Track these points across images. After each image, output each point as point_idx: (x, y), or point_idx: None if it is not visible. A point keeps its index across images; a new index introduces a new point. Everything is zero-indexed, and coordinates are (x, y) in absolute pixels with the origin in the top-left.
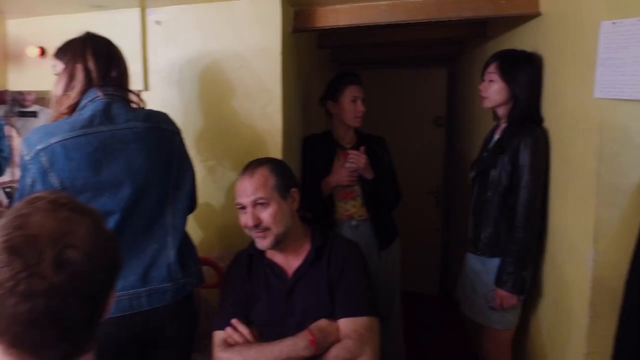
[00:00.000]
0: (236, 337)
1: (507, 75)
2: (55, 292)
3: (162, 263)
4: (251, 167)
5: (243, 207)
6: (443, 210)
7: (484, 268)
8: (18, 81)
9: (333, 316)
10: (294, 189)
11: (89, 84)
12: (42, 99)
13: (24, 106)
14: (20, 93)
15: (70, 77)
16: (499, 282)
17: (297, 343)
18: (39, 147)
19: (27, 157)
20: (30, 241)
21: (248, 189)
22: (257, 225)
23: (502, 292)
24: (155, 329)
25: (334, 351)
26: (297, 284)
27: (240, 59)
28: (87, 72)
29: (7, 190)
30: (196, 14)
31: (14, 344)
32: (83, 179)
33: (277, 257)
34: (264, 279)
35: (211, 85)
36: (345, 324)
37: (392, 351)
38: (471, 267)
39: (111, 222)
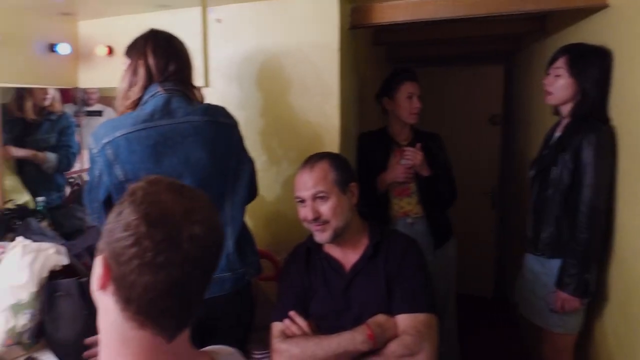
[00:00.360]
0: (294, 329)
1: (576, 70)
2: (188, 264)
3: (222, 254)
4: (311, 160)
5: (302, 201)
6: (498, 212)
7: (543, 269)
8: (87, 79)
9: (390, 312)
10: (353, 184)
11: (150, 80)
12: (105, 97)
13: (88, 105)
14: (85, 92)
15: (133, 74)
16: (560, 284)
17: (355, 337)
18: (105, 140)
19: (94, 150)
20: (168, 215)
21: (308, 183)
22: (317, 218)
23: (563, 295)
24: (214, 317)
25: (392, 347)
26: (354, 279)
27: (297, 56)
28: (147, 68)
29: (71, 180)
30: (255, 11)
31: (142, 311)
32: (145, 171)
33: (335, 252)
34: (322, 273)
35: (269, 81)
36: (403, 320)
37: (446, 352)
38: (530, 268)
39: None
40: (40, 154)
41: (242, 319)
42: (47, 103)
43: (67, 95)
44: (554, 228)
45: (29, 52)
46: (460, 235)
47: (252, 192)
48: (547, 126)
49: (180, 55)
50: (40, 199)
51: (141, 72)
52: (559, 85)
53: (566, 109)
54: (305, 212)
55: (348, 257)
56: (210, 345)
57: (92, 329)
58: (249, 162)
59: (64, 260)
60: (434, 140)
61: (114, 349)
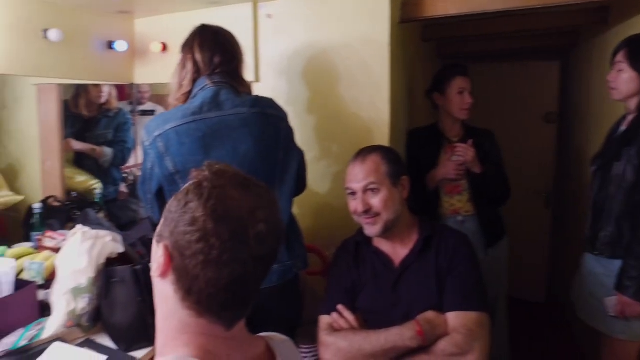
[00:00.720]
0: (342, 323)
1: (637, 63)
2: (252, 261)
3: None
4: (363, 153)
5: (353, 193)
6: (553, 212)
7: (603, 270)
8: (142, 75)
9: (440, 309)
10: (404, 177)
11: (197, 73)
12: (155, 96)
13: (141, 103)
14: (139, 91)
15: (182, 68)
16: (620, 286)
17: (404, 333)
18: (156, 133)
19: (147, 143)
20: (235, 212)
21: (359, 175)
22: (367, 211)
23: (624, 298)
24: (261, 309)
25: (442, 345)
26: (404, 274)
27: (347, 50)
28: (194, 62)
29: (125, 174)
30: (305, 6)
31: (202, 303)
32: (194, 163)
33: (385, 246)
34: (371, 267)
35: (319, 75)
36: (453, 318)
37: (497, 355)
38: (588, 268)
39: None
40: (98, 149)
41: (289, 312)
42: (102, 100)
43: (122, 93)
44: (614, 228)
45: (89, 49)
46: (512, 236)
47: (300, 184)
48: (609, 123)
49: (226, 48)
50: (97, 191)
51: (189, 66)
52: (622, 80)
53: (632, 104)
54: (355, 204)
55: (397, 251)
56: None
57: (145, 315)
58: (298, 154)
59: (119, 248)
60: (487, 137)
61: (172, 335)
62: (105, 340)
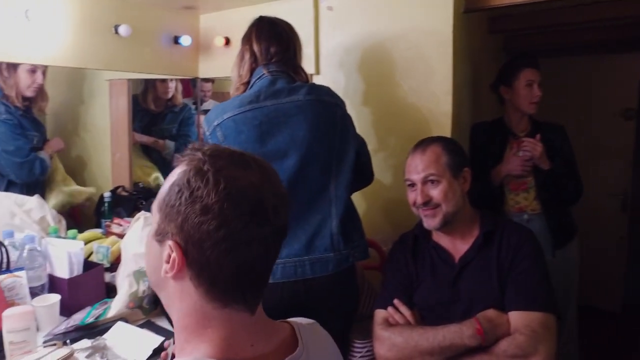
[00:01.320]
0: (397, 318)
1: None
2: (274, 235)
3: (326, 233)
4: (423, 143)
5: (412, 184)
6: (631, 215)
7: None
8: (206, 69)
9: (502, 308)
10: (466, 169)
11: (255, 63)
12: (217, 93)
13: (203, 101)
14: (201, 89)
15: (241, 59)
16: None
17: (463, 331)
18: (215, 123)
19: (207, 133)
20: (247, 191)
21: (419, 166)
22: (427, 202)
23: None
24: (316, 298)
25: (503, 345)
26: (463, 270)
27: (409, 42)
28: (252, 52)
29: None
30: None
31: (228, 290)
32: (251, 150)
33: (444, 240)
34: (429, 262)
35: (379, 67)
36: (516, 318)
37: None
38: None
39: None
40: (160, 141)
41: (344, 304)
42: (169, 96)
43: (186, 91)
44: None
45: (156, 44)
46: (583, 239)
47: (364, 174)
48: None
49: (283, 38)
50: (161, 181)
51: (247, 56)
52: None
53: None
54: (414, 195)
55: (457, 246)
56: None
57: None
58: (358, 143)
59: None
60: (557, 132)
61: (195, 331)
62: (164, 323)
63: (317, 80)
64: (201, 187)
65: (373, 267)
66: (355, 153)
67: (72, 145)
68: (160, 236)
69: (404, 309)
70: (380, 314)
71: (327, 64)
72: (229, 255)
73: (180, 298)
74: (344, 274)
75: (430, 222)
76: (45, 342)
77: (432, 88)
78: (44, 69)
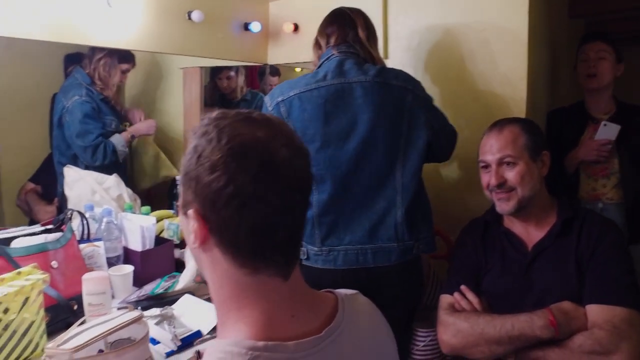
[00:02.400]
0: (464, 304)
1: None
2: (289, 190)
3: (390, 222)
4: (500, 123)
5: (486, 166)
6: None
7: None
8: (275, 56)
9: (579, 300)
10: (545, 152)
11: (326, 44)
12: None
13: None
14: (269, 83)
15: (315, 43)
16: None
17: (534, 321)
18: (279, 99)
19: (269, 108)
20: (253, 144)
21: (494, 146)
22: (501, 184)
23: None
24: (376, 288)
25: (579, 340)
26: (537, 259)
27: (481, 23)
28: (325, 35)
29: None
30: None
31: (254, 254)
32: (313, 129)
33: (516, 227)
34: (500, 249)
35: (449, 50)
36: (595, 312)
37: None
38: None
39: (337, 173)
40: None
41: (407, 294)
42: (238, 85)
43: (254, 82)
44: None
45: (227, 30)
46: None
47: (437, 155)
48: None
49: (353, 22)
50: None
51: (319, 39)
52: None
53: None
54: (488, 177)
55: (531, 234)
56: None
57: None
58: (427, 129)
59: None
60: None
61: (232, 304)
62: None
63: (386, 64)
64: (206, 147)
65: (440, 256)
66: (428, 141)
67: None
68: (184, 208)
69: (470, 295)
70: (445, 299)
71: (395, 48)
72: (242, 212)
73: (213, 269)
74: (408, 264)
75: (503, 206)
76: (119, 308)
77: (505, 73)
78: (132, 69)
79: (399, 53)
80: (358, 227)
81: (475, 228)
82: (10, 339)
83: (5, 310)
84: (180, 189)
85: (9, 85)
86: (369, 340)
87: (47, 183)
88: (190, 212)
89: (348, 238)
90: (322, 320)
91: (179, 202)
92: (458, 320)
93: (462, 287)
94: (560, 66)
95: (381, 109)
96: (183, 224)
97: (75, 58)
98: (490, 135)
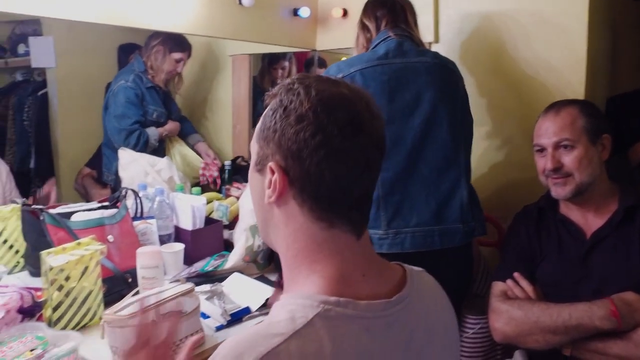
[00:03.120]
0: (517, 292)
1: None
2: (372, 147)
3: (456, 203)
4: (557, 105)
5: (542, 150)
6: None
7: None
8: (324, 42)
9: None
10: (605, 135)
11: (377, 30)
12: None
13: None
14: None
15: (362, 27)
16: None
17: (594, 311)
18: (340, 75)
19: None
20: (342, 99)
21: (550, 129)
22: (557, 169)
23: None
24: (436, 269)
25: None
26: (596, 247)
27: (535, 4)
28: (375, 17)
29: None
30: None
31: (332, 205)
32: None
33: (574, 214)
34: (556, 237)
35: (502, 33)
36: None
37: None
38: None
39: (402, 150)
40: None
41: (460, 277)
42: (291, 74)
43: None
44: None
45: (276, 15)
46: None
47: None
48: None
49: (401, 6)
50: None
51: (366, 22)
52: None
53: None
54: (544, 161)
55: (589, 221)
56: None
57: None
58: (471, 117)
59: None
60: None
61: (306, 255)
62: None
63: (436, 48)
64: (294, 100)
65: (490, 243)
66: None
67: (198, 118)
68: (260, 165)
69: (524, 283)
70: (498, 286)
71: (446, 32)
72: (328, 162)
73: (286, 223)
74: (466, 248)
75: (559, 191)
76: (171, 282)
77: (562, 57)
78: (187, 59)
79: (450, 37)
80: (425, 208)
81: (529, 215)
82: (70, 305)
83: (67, 278)
84: (253, 147)
85: (67, 76)
86: (433, 316)
87: (102, 168)
88: (271, 164)
89: (415, 220)
90: (391, 287)
91: (251, 161)
92: (511, 307)
93: (516, 274)
94: (623, 51)
95: (443, 89)
96: (255, 183)
97: (129, 48)
98: (546, 118)
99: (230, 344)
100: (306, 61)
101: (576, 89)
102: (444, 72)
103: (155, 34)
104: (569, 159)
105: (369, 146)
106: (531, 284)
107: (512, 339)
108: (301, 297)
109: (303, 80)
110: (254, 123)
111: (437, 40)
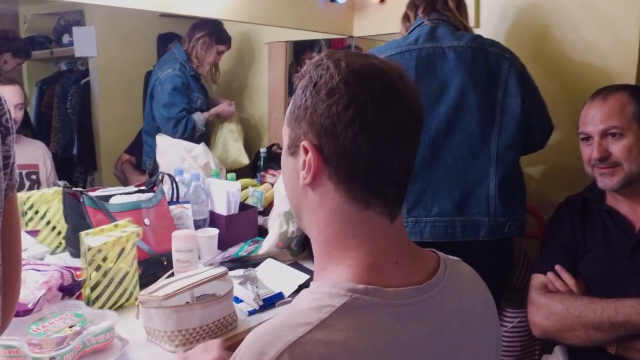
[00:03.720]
0: (558, 285)
1: None
2: (412, 119)
3: (481, 194)
4: (605, 91)
5: (587, 138)
6: None
7: None
8: (361, 28)
9: None
10: None
11: (415, 16)
12: None
13: None
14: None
15: (405, 16)
16: None
17: None
18: None
19: None
20: (374, 69)
21: (597, 116)
22: (604, 158)
23: None
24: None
25: None
26: None
27: None
28: (414, 6)
29: None
30: None
31: (368, 183)
32: None
33: (622, 205)
34: (602, 229)
35: (546, 17)
36: None
37: None
38: None
39: (426, 137)
40: None
41: (496, 273)
42: None
43: None
44: None
45: (313, 1)
46: None
47: (534, 138)
48: None
49: None
50: None
51: (408, 12)
52: None
53: None
54: (590, 151)
55: (639, 213)
56: None
57: None
58: (524, 98)
59: None
60: None
61: (339, 240)
62: (311, 265)
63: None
64: (323, 75)
65: (531, 235)
66: (525, 112)
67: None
68: (292, 147)
69: (566, 276)
70: (538, 278)
71: (487, 16)
72: (363, 135)
73: (321, 206)
74: (499, 244)
75: (606, 181)
76: (205, 265)
77: (611, 41)
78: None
79: (492, 22)
80: (447, 198)
81: (573, 206)
82: (107, 286)
83: (104, 259)
84: (285, 132)
85: (107, 64)
86: (470, 307)
87: (141, 154)
88: (304, 143)
89: (436, 209)
90: (425, 275)
91: (284, 145)
92: (552, 301)
93: (557, 267)
94: None
95: (474, 74)
96: (288, 167)
97: (168, 38)
98: (593, 104)
99: (255, 334)
100: (342, 49)
101: (626, 75)
102: (479, 55)
103: (200, 26)
104: (617, 148)
105: (405, 115)
106: (573, 277)
107: (551, 334)
108: (327, 286)
109: (331, 55)
110: None
111: (477, 25)
